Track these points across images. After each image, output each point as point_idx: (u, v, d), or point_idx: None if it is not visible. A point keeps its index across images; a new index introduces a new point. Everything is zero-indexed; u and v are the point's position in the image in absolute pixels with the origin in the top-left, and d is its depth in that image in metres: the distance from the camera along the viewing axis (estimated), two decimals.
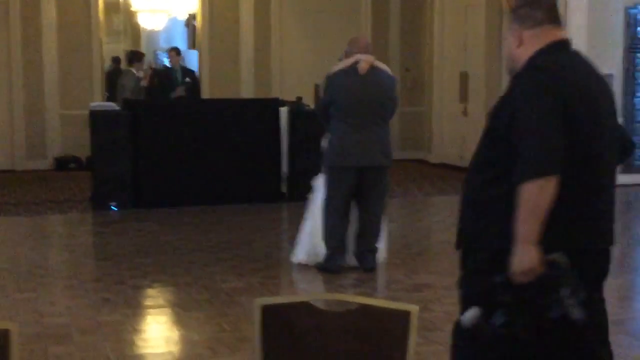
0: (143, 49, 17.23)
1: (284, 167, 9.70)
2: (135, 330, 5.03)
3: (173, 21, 15.34)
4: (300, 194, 9.69)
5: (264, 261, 6.74)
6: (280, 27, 13.34)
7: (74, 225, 8.54)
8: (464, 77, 12.69)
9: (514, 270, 2.61)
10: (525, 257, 2.60)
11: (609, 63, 10.78)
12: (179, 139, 9.24)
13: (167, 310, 5.49)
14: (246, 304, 5.48)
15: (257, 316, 2.42)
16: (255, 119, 9.65)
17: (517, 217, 2.61)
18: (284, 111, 9.73)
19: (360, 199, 6.33)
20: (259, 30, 13.19)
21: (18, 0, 12.20)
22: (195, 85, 11.58)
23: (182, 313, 5.37)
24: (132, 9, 13.10)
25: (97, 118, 9.13)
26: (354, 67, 6.20)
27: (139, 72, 11.78)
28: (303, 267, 6.48)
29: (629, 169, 10.68)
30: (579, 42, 10.48)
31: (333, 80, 6.26)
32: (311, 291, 6.08)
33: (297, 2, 13.43)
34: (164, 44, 17.32)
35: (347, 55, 6.34)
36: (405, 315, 2.38)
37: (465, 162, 12.43)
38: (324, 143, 6.42)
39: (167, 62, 13.55)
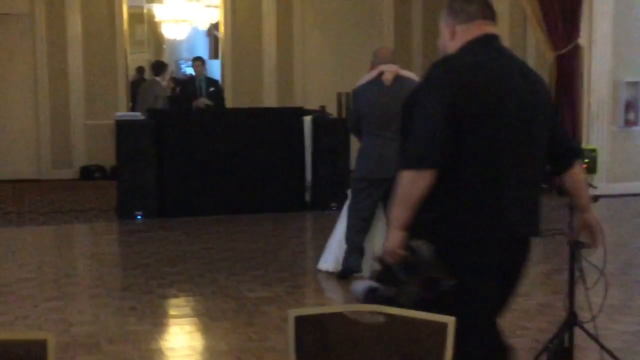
0: (166, 59, 17.34)
1: (308, 176, 9.69)
2: (163, 340, 5.03)
3: (195, 31, 15.40)
4: (323, 203, 9.74)
5: (289, 270, 6.72)
6: (303, 36, 13.35)
7: (99, 235, 8.57)
8: None
9: (384, 249, 2.81)
10: (391, 239, 2.79)
11: (635, 70, 10.70)
12: (204, 149, 9.26)
13: (194, 320, 5.48)
14: (273, 313, 5.47)
15: (290, 327, 2.40)
16: (279, 128, 9.65)
17: (393, 201, 2.79)
18: (307, 120, 9.72)
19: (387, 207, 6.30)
20: (282, 39, 13.21)
21: (44, 11, 12.31)
22: (219, 95, 11.60)
23: (209, 323, 5.36)
24: (156, 19, 13.16)
25: (122, 127, 9.17)
26: (378, 79, 6.18)
27: (161, 82, 11.84)
28: (329, 275, 6.45)
29: None
30: (604, 49, 10.42)
31: (358, 93, 6.24)
32: (336, 300, 6.05)
33: (319, 12, 13.44)
34: (186, 54, 17.40)
35: (372, 66, 6.31)
36: (442, 326, 2.35)
37: None
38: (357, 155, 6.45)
39: (189, 71, 13.64)
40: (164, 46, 17.45)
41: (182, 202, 9.17)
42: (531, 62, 11.53)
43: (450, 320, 2.36)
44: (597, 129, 10.61)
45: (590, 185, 3.59)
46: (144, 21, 15.84)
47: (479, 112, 2.75)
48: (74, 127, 12.48)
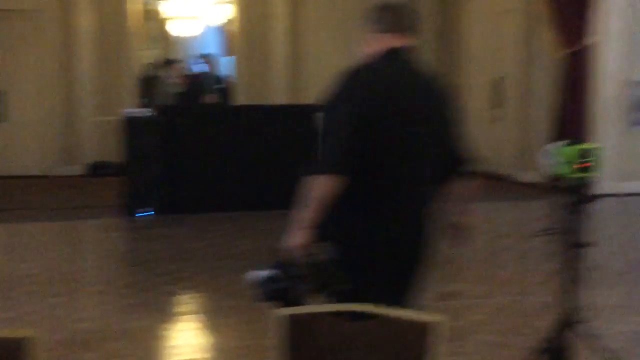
0: (179, 55, 17.35)
1: None
2: (165, 337, 5.05)
3: (208, 28, 15.39)
4: None
5: None
6: (314, 33, 13.35)
7: (106, 231, 8.61)
8: (496, 83, 12.59)
9: (289, 246, 2.91)
10: (292, 238, 2.90)
11: None
12: (213, 145, 9.28)
13: (197, 317, 5.50)
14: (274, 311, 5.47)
15: (282, 325, 2.42)
16: (290, 124, 9.65)
17: (303, 203, 2.88)
18: (318, 117, 9.70)
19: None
20: (292, 36, 13.22)
21: (55, 7, 12.37)
22: (227, 91, 11.62)
23: (211, 320, 5.39)
24: (163, 16, 13.20)
25: (131, 124, 9.20)
26: None
27: (170, 79, 11.85)
28: None
29: None
30: (614, 48, 10.37)
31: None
32: None
33: (329, 9, 13.44)
34: (197, 51, 17.39)
35: None
36: (433, 326, 2.36)
37: (499, 169, 12.32)
38: None
39: (200, 68, 13.60)
40: (177, 43, 17.46)
41: (190, 199, 9.20)
42: (540, 60, 11.50)
43: (441, 320, 2.36)
44: (606, 127, 10.56)
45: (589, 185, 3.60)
46: (156, 18, 15.85)
47: (385, 122, 2.90)
48: (83, 123, 12.55)
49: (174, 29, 13.63)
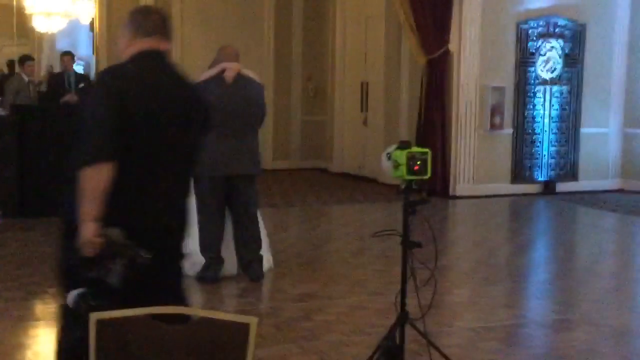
0: (44, 53, 16.79)
1: None
2: (2, 344, 4.85)
3: (76, 26, 14.98)
4: None
5: None
6: (181, 30, 13.20)
7: None
8: (364, 87, 12.83)
9: (80, 244, 2.96)
10: (85, 232, 2.96)
11: (501, 76, 11.10)
12: (69, 145, 8.98)
13: (39, 323, 5.32)
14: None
15: (91, 330, 2.36)
16: None
17: (80, 199, 3.00)
18: None
19: (232, 208, 6.28)
20: None
21: None
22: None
23: (54, 325, 5.21)
24: (26, 11, 12.73)
25: None
26: (220, 76, 6.15)
27: (28, 77, 11.44)
28: (188, 277, 6.39)
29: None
30: (472, 55, 10.76)
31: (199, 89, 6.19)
32: (193, 302, 5.99)
33: (200, 10, 13.33)
34: (67, 49, 16.90)
35: (215, 63, 6.28)
36: (245, 327, 2.36)
37: (364, 171, 12.58)
38: None
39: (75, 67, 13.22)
40: (44, 40, 16.90)
41: (44, 202, 8.87)
42: (405, 66, 11.80)
43: (252, 321, 2.37)
44: (465, 131, 10.94)
45: (419, 190, 3.70)
46: (13, 13, 15.29)
47: (140, 117, 3.09)
48: None
49: (35, 25, 13.18)
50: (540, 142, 11.49)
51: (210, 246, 6.21)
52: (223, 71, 6.14)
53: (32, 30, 15.89)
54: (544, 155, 11.49)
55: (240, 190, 6.21)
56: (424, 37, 10.84)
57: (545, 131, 11.47)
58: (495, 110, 11.07)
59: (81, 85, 11.04)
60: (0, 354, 4.65)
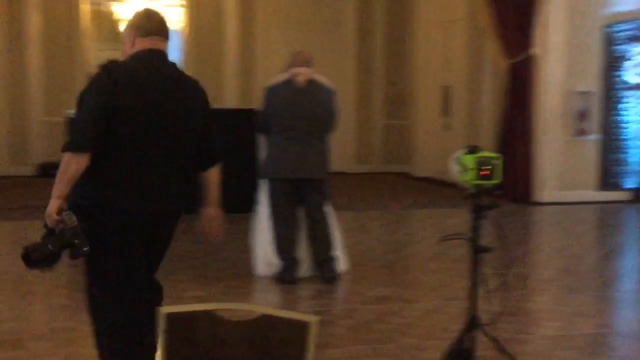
0: None
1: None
2: (88, 337, 5.04)
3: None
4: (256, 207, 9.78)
5: (229, 270, 6.77)
6: (265, 37, 13.41)
7: None
8: (446, 92, 12.76)
9: (46, 214, 3.39)
10: (50, 206, 3.38)
11: (586, 80, 10.86)
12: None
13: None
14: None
15: (162, 324, 2.46)
16: (230, 128, 9.69)
17: (57, 177, 3.40)
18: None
19: (302, 208, 6.38)
20: (244, 40, 13.26)
21: (4, 7, 12.28)
22: None
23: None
24: (115, 17, 13.16)
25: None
26: (290, 80, 6.24)
27: None
28: (266, 277, 6.52)
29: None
30: (557, 59, 10.57)
31: (270, 93, 6.31)
32: (269, 301, 6.11)
33: (282, 15, 13.51)
34: None
35: (288, 68, 6.38)
36: (305, 326, 2.42)
37: (447, 175, 12.52)
38: (263, 155, 6.48)
39: None
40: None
41: None
42: (487, 70, 11.69)
43: (313, 320, 2.43)
44: (549, 137, 10.76)
45: (495, 193, 3.70)
46: (108, 19, 15.79)
47: (129, 109, 3.41)
48: (32, 123, 12.46)
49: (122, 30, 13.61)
50: (629, 148, 11.18)
51: (284, 248, 6.31)
52: (294, 75, 6.24)
53: (119, 34, 16.41)
54: (633, 162, 11.18)
55: (308, 193, 6.30)
56: (506, 41, 10.72)
57: (635, 137, 11.16)
58: (581, 115, 10.84)
59: None
60: (89, 346, 4.84)
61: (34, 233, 8.89)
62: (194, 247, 7.69)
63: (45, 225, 3.39)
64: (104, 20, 16.15)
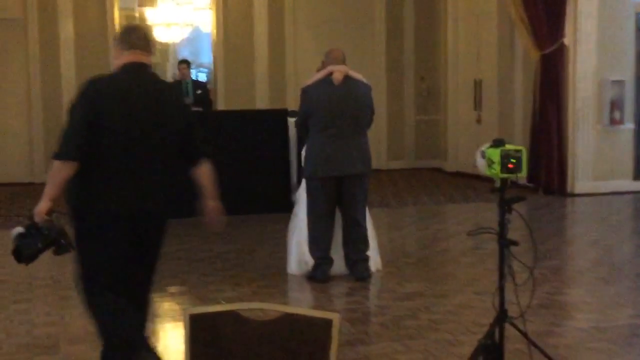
0: (170, 62, 17.44)
1: (294, 178, 9.77)
2: None
3: (199, 34, 15.45)
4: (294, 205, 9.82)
5: (262, 271, 6.81)
6: (295, 37, 13.45)
7: None
8: (477, 85, 12.68)
9: (34, 211, 3.75)
10: (41, 206, 3.73)
11: (619, 69, 10.72)
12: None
13: (158, 320, 5.58)
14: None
15: (185, 325, 2.49)
16: (264, 129, 9.75)
17: (47, 180, 3.77)
18: (292, 121, 9.81)
19: (342, 208, 6.38)
20: (273, 41, 13.32)
21: (36, 15, 12.48)
22: (206, 98, 11.70)
23: (172, 322, 5.47)
24: (148, 22, 13.28)
25: None
26: (328, 78, 6.27)
27: None
28: (298, 277, 6.55)
29: None
30: (589, 49, 10.45)
31: (307, 92, 6.34)
32: (301, 301, 6.14)
33: (311, 13, 13.53)
34: (190, 57, 17.51)
35: (323, 66, 6.42)
36: (327, 323, 2.43)
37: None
38: (304, 154, 6.50)
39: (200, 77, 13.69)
40: (169, 50, 17.56)
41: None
42: (518, 62, 11.59)
43: (335, 317, 2.44)
44: (582, 127, 10.64)
45: (515, 182, 3.69)
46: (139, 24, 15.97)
47: (111, 118, 3.75)
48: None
49: (160, 35, 13.72)
50: None
51: (319, 246, 6.33)
52: (330, 74, 6.27)
53: (156, 40, 16.58)
54: None
55: (351, 191, 6.30)
56: (537, 32, 10.62)
57: None
58: (615, 104, 10.71)
59: (198, 92, 11.43)
60: None
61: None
62: (226, 248, 7.75)
63: (30, 222, 3.72)
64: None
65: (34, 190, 11.67)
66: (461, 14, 13.05)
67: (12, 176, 12.35)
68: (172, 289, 6.32)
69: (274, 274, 6.74)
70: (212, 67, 14.34)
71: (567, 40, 10.54)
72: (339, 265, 6.45)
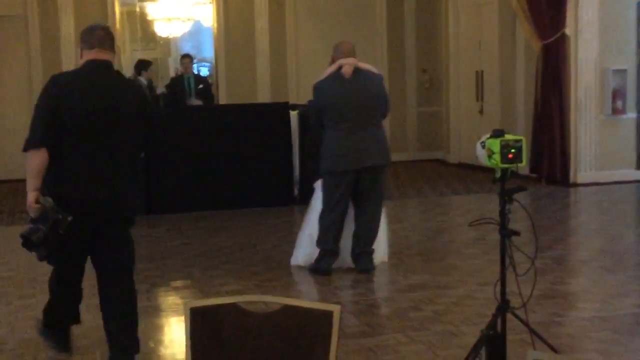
0: (171, 56, 17.44)
1: (296, 171, 9.78)
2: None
3: (200, 28, 15.43)
4: (311, 197, 9.81)
5: (265, 264, 6.82)
6: (296, 31, 13.44)
7: None
8: (479, 76, 12.66)
9: (27, 208, 4.10)
10: (28, 199, 4.07)
11: (622, 58, 10.69)
12: (190, 145, 9.38)
13: (161, 314, 5.60)
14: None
15: (186, 318, 2.50)
16: (266, 123, 9.75)
17: (27, 174, 4.11)
18: (294, 115, 9.82)
19: (358, 201, 6.38)
20: (275, 34, 13.30)
21: (37, 13, 12.48)
22: (208, 92, 11.70)
23: (174, 316, 5.48)
24: (149, 17, 13.28)
25: None
26: (338, 72, 6.27)
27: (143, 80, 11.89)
28: (302, 269, 6.55)
29: None
30: (590, 38, 10.42)
31: (319, 88, 6.34)
32: (305, 293, 6.15)
33: (312, 6, 13.51)
34: (192, 52, 17.49)
35: (333, 60, 6.41)
36: (328, 315, 2.44)
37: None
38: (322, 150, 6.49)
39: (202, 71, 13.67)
40: (171, 44, 17.54)
41: (169, 199, 9.30)
42: (520, 52, 11.57)
43: (335, 309, 2.45)
44: (585, 117, 10.62)
45: (517, 172, 3.70)
46: (143, 20, 15.93)
47: (71, 112, 4.08)
48: None
49: (161, 30, 13.72)
50: None
51: (328, 238, 6.33)
52: (340, 67, 6.26)
53: (158, 34, 16.56)
54: None
55: (368, 183, 6.30)
56: (538, 22, 10.60)
57: None
58: (617, 94, 10.69)
59: (200, 86, 11.43)
60: None
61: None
62: (228, 241, 7.77)
63: (31, 219, 4.03)
64: (137, 21, 16.33)
65: None
66: (462, 5, 13.03)
67: (14, 173, 12.35)
68: (176, 283, 6.34)
69: (276, 267, 6.75)
70: (213, 61, 14.35)
71: (568, 30, 10.52)
72: (343, 257, 6.45)
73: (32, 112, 4.13)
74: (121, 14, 13.22)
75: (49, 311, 4.61)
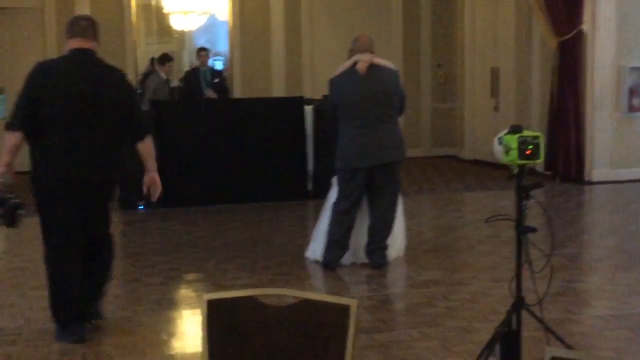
0: (186, 50, 17.48)
1: (310, 165, 9.77)
2: (140, 326, 5.16)
3: (215, 22, 15.43)
4: (325, 192, 9.76)
5: (278, 258, 6.82)
6: (311, 25, 13.42)
7: None
8: (495, 73, 12.61)
9: None
10: None
11: (639, 56, 10.62)
12: (205, 139, 9.39)
13: (174, 306, 5.62)
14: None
15: (203, 310, 2.50)
16: (281, 117, 9.75)
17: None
18: (309, 109, 9.81)
19: (373, 197, 6.36)
20: (290, 28, 13.29)
21: (53, 5, 12.52)
22: (223, 86, 11.70)
23: (187, 309, 5.50)
24: (164, 11, 13.30)
25: None
26: (353, 68, 6.24)
27: (167, 75, 11.93)
28: (315, 264, 6.55)
29: None
30: (607, 35, 10.35)
31: (334, 84, 6.32)
32: (318, 288, 6.15)
33: (327, 4, 13.49)
34: (206, 45, 17.49)
35: (351, 54, 6.38)
36: (345, 309, 2.44)
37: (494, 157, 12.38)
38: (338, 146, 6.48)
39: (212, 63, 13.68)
40: (185, 37, 17.57)
41: (184, 193, 9.31)
42: (536, 49, 11.51)
43: (352, 303, 2.44)
44: (600, 115, 10.56)
45: (532, 169, 3.68)
46: (159, 13, 15.94)
47: (53, 95, 4.45)
48: None
49: (177, 23, 13.72)
50: None
51: (337, 230, 6.32)
52: (356, 63, 6.24)
53: (173, 28, 16.58)
54: None
55: (383, 179, 6.28)
56: (555, 19, 10.53)
57: None
58: (634, 91, 10.62)
59: (216, 80, 11.43)
60: (139, 334, 4.95)
61: None
62: (242, 235, 7.78)
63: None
64: (153, 14, 16.36)
65: None
66: (478, 1, 12.97)
67: (19, 165, 12.40)
68: (189, 277, 6.35)
69: (290, 261, 6.75)
70: (227, 55, 14.35)
71: (585, 27, 10.45)
72: (360, 253, 6.44)
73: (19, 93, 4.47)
74: (137, 6, 13.22)
75: (54, 300, 4.72)
